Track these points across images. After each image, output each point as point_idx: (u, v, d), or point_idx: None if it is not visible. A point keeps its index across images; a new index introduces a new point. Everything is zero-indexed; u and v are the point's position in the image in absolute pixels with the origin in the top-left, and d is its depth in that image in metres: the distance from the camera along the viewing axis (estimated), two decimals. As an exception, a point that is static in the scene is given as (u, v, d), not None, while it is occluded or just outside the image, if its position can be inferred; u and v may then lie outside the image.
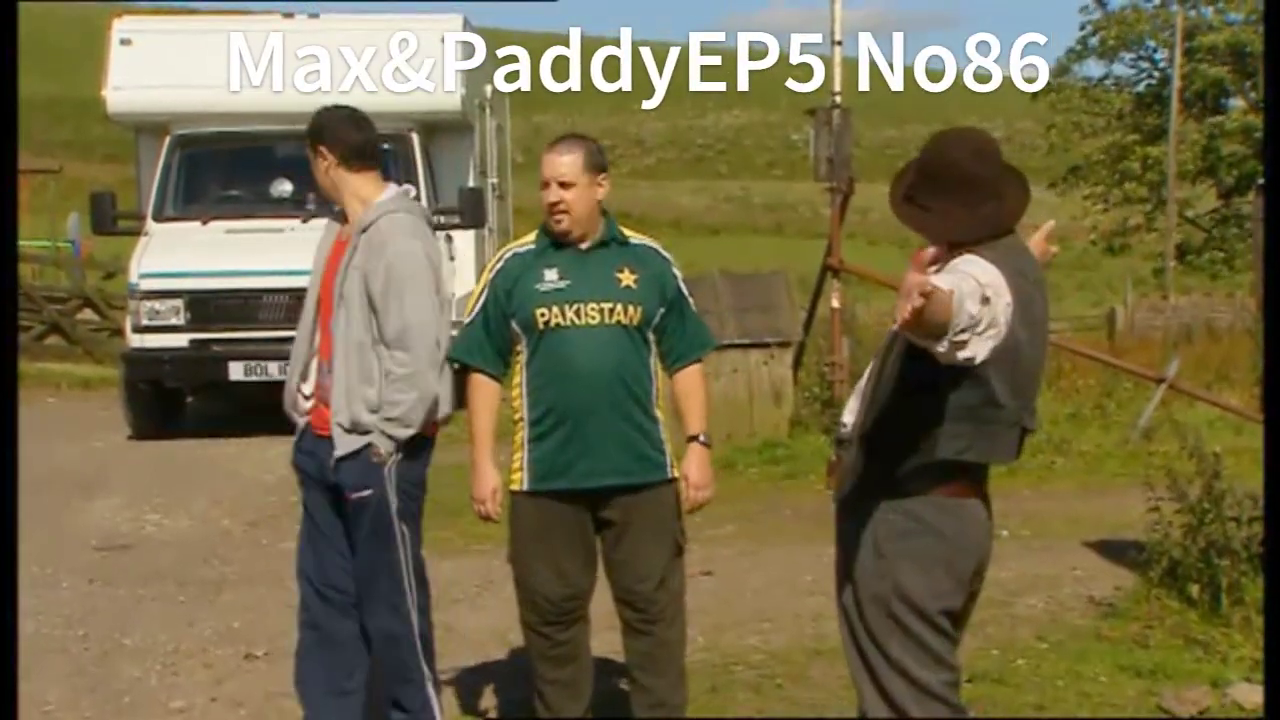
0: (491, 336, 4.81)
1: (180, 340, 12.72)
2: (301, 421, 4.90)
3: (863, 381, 3.81)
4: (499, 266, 4.85)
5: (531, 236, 4.89)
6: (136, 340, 12.91)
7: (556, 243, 4.79)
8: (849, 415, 3.78)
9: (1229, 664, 5.89)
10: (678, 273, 4.91)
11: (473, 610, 7.14)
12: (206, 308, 12.67)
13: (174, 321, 12.70)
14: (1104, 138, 40.33)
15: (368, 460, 4.69)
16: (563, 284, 4.72)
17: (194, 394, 14.26)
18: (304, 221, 12.41)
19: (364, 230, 4.70)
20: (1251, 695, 5.45)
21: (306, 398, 4.85)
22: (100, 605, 7.41)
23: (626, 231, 4.90)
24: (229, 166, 13.92)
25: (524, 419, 4.77)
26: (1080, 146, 40.88)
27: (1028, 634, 6.57)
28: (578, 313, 4.70)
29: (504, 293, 4.78)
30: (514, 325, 4.77)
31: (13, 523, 4.44)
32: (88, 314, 20.71)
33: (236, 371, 12.52)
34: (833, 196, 12.11)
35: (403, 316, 4.65)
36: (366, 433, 4.68)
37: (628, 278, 4.75)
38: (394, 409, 4.67)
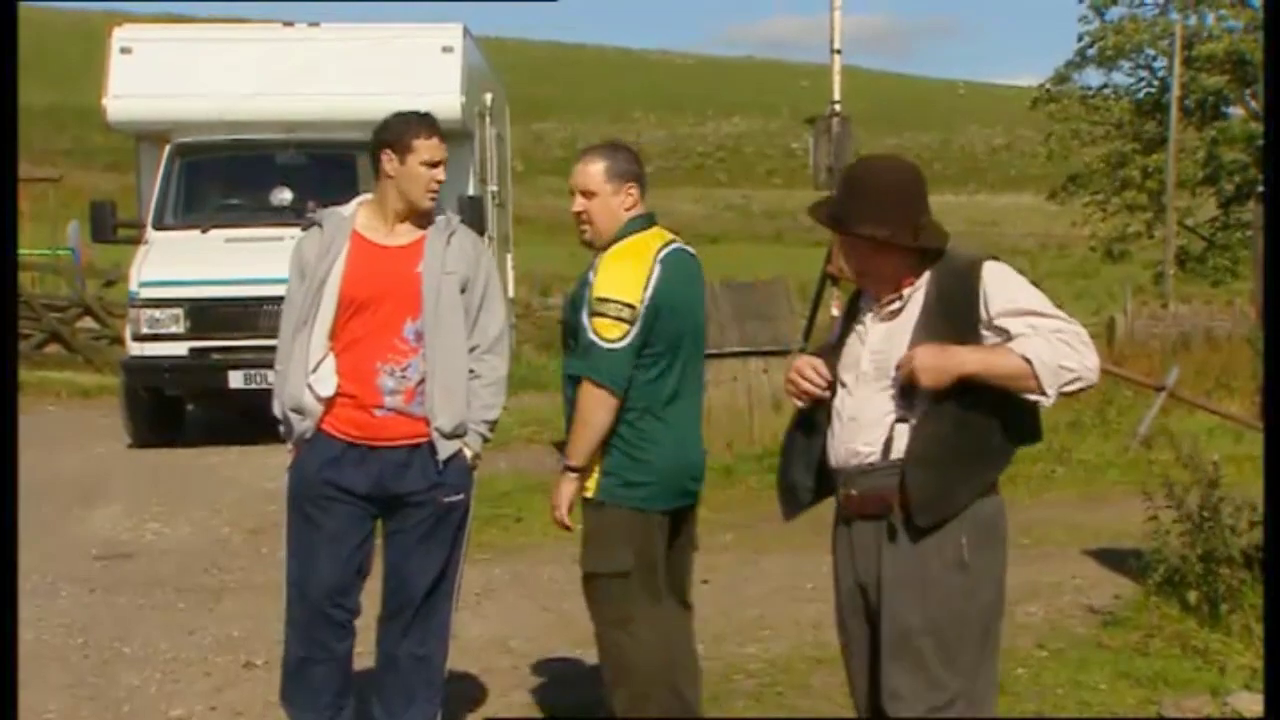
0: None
1: (180, 348, 12.71)
2: (305, 426, 4.76)
3: (851, 407, 3.79)
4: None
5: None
6: (136, 348, 12.91)
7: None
8: (863, 445, 3.75)
9: (1228, 672, 5.89)
10: None
11: (475, 618, 7.13)
12: (206, 316, 12.66)
13: (174, 330, 12.69)
14: (1103, 146, 40.36)
15: (463, 464, 4.81)
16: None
17: (194, 402, 14.25)
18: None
19: (448, 236, 4.81)
20: (1251, 703, 5.44)
21: (320, 400, 4.75)
22: (100, 614, 7.41)
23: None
24: (229, 175, 13.92)
25: None
26: (1079, 155, 40.90)
27: (1028, 642, 6.57)
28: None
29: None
30: None
31: (13, 531, 4.44)
32: (88, 322, 20.72)
33: (236, 380, 12.53)
34: (832, 204, 12.10)
35: (499, 322, 4.90)
36: (458, 436, 4.77)
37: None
38: (490, 412, 4.85)
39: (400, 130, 4.78)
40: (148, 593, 7.85)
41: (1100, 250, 41.10)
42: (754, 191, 72.51)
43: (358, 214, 4.84)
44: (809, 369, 3.82)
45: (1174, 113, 33.06)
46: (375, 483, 4.74)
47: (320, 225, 4.85)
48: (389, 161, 4.75)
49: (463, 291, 4.77)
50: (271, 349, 4.96)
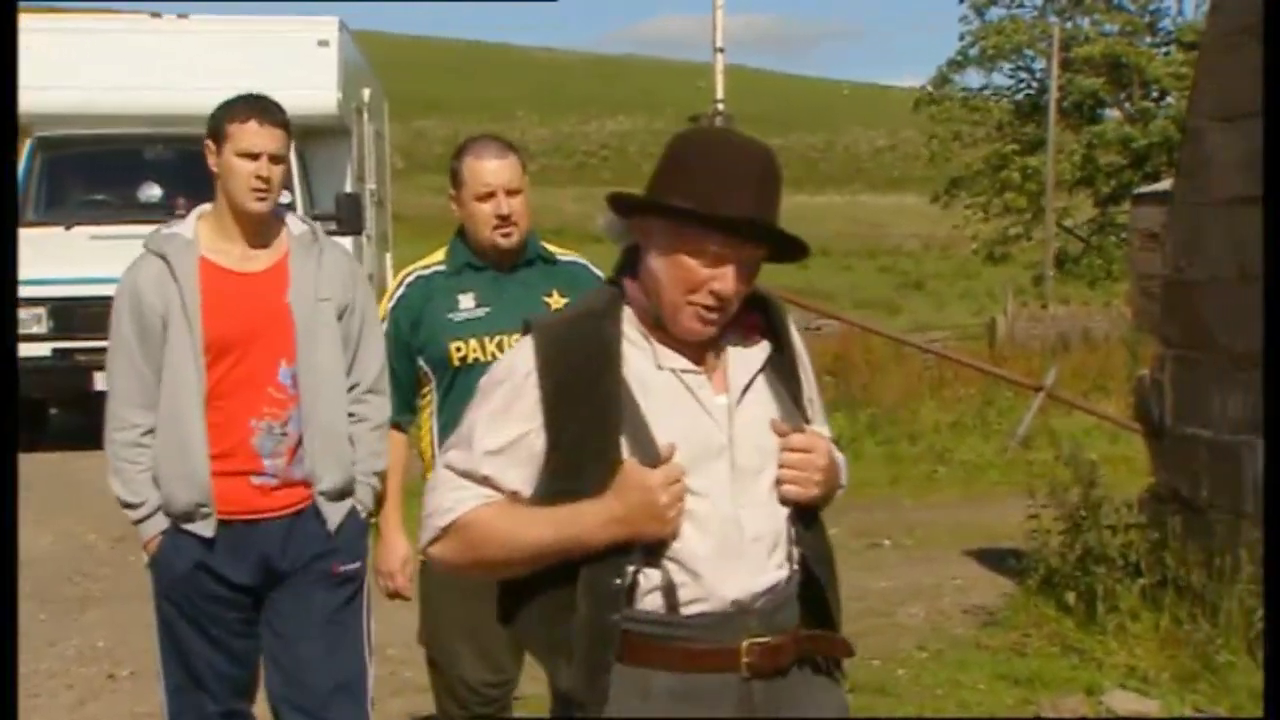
0: (395, 378, 4.06)
1: (43, 350, 12.39)
2: (206, 526, 3.86)
3: (749, 519, 2.47)
4: (399, 294, 4.12)
5: (438, 255, 4.15)
6: (-3, 349, 12.53)
7: (472, 263, 4.07)
8: (776, 569, 2.50)
9: (1104, 670, 5.95)
10: None
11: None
12: (70, 316, 12.34)
13: (35, 330, 12.37)
14: (984, 147, 41.01)
15: (358, 526, 3.99)
16: (481, 312, 4.02)
17: (57, 405, 13.91)
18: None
19: (318, 254, 3.92)
20: (1126, 701, 5.50)
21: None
22: (-47, 626, 7.14)
23: (550, 246, 4.24)
24: (94, 170, 13.59)
25: None
26: (961, 156, 41.52)
27: (908, 643, 6.59)
28: (500, 345, 3.94)
29: (408, 325, 4.06)
30: (421, 363, 4.07)
31: (13, 532, 3.88)
32: (-50, 322, 20.16)
33: (100, 382, 12.15)
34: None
35: (381, 354, 4.01)
36: (346, 495, 3.97)
37: (558, 302, 3.93)
38: (379, 460, 4.01)
39: (218, 116, 3.83)
40: (5, 604, 7.58)
41: (982, 252, 41.76)
42: (638, 191, 72.69)
43: (199, 234, 3.87)
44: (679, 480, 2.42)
45: (1052, 114, 33.61)
46: (258, 566, 3.90)
47: (159, 254, 3.85)
48: (210, 155, 3.83)
49: (339, 320, 3.91)
50: None
